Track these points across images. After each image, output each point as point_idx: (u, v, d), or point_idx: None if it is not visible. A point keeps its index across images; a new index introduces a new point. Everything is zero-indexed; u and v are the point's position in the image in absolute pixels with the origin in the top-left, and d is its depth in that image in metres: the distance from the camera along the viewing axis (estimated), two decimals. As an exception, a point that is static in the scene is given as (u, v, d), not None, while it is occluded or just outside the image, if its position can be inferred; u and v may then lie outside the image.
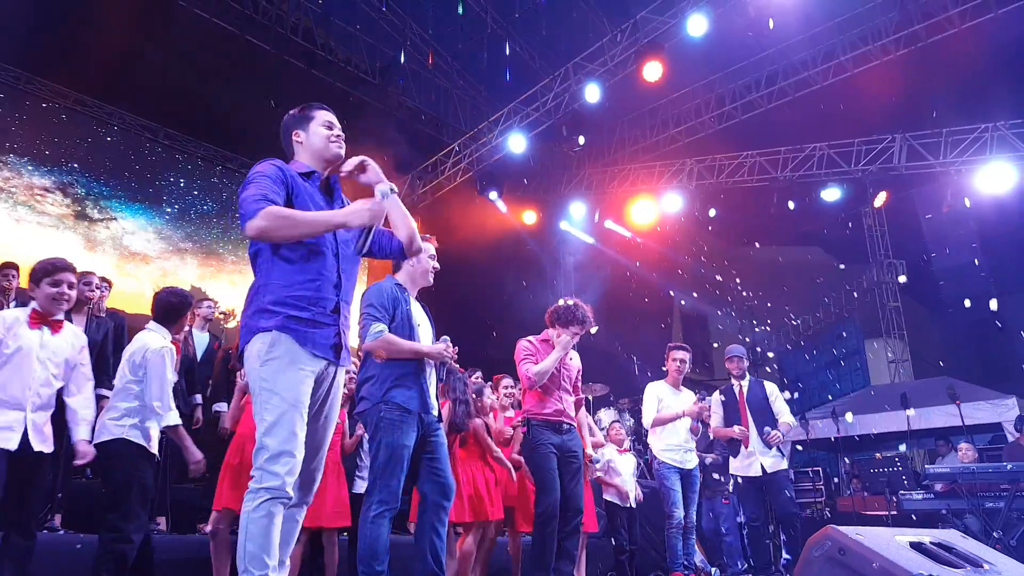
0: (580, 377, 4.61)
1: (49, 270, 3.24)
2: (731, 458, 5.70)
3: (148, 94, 9.57)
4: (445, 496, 3.26)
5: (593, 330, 4.48)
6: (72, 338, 3.40)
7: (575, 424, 4.42)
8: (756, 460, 5.48)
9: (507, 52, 11.57)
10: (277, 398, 2.26)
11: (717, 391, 5.94)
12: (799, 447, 10.97)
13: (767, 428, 5.49)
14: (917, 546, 2.90)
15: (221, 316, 9.93)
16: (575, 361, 4.56)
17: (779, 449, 5.49)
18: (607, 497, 6.12)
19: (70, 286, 3.29)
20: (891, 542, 2.80)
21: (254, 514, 2.18)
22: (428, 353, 3.34)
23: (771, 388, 5.83)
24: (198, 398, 5.56)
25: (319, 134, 2.59)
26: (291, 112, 2.66)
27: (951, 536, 3.17)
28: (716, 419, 5.84)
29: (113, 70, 8.91)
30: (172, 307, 3.57)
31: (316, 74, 10.72)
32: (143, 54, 8.96)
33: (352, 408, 3.93)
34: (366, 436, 3.66)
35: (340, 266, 2.49)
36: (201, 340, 5.89)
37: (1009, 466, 6.70)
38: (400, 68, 11.87)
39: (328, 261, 2.45)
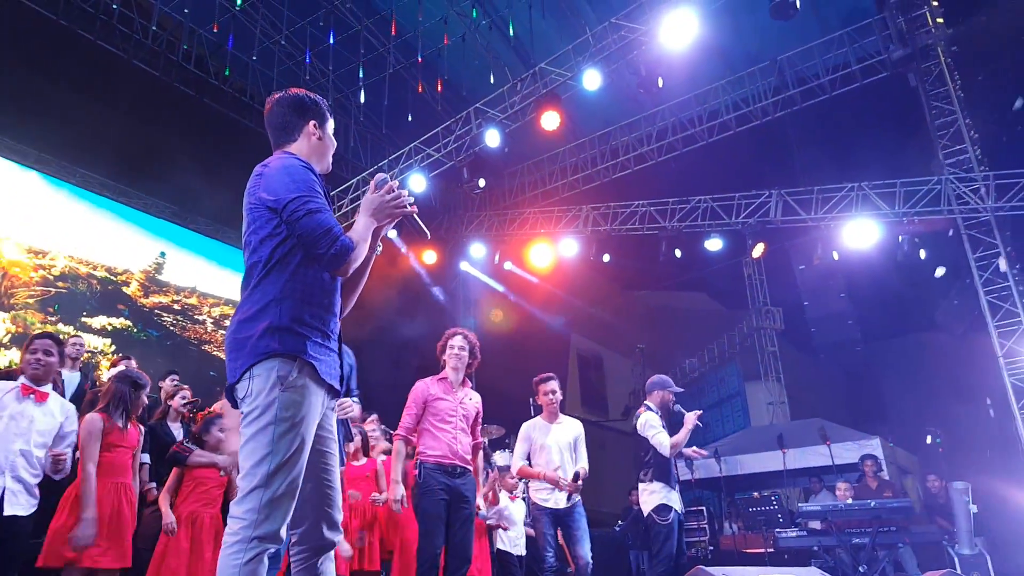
0: (480, 419, 4.49)
1: None
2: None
3: (23, 118, 8.96)
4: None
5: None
6: None
7: (470, 467, 4.28)
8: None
9: (409, 92, 11.65)
10: (293, 434, 1.98)
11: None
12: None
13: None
14: (782, 585, 3.04)
15: (89, 355, 9.25)
16: (473, 401, 4.44)
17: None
18: (499, 546, 6.04)
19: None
20: (758, 582, 2.92)
21: (246, 567, 1.90)
22: None
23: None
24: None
25: (332, 141, 2.41)
26: (314, 97, 2.37)
27: (812, 574, 3.33)
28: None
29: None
30: None
31: (207, 102, 10.42)
32: (20, 76, 8.43)
33: None
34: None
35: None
36: (71, 379, 5.51)
37: (873, 503, 7.14)
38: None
39: (338, 280, 2.24)
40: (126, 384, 3.84)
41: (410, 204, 2.28)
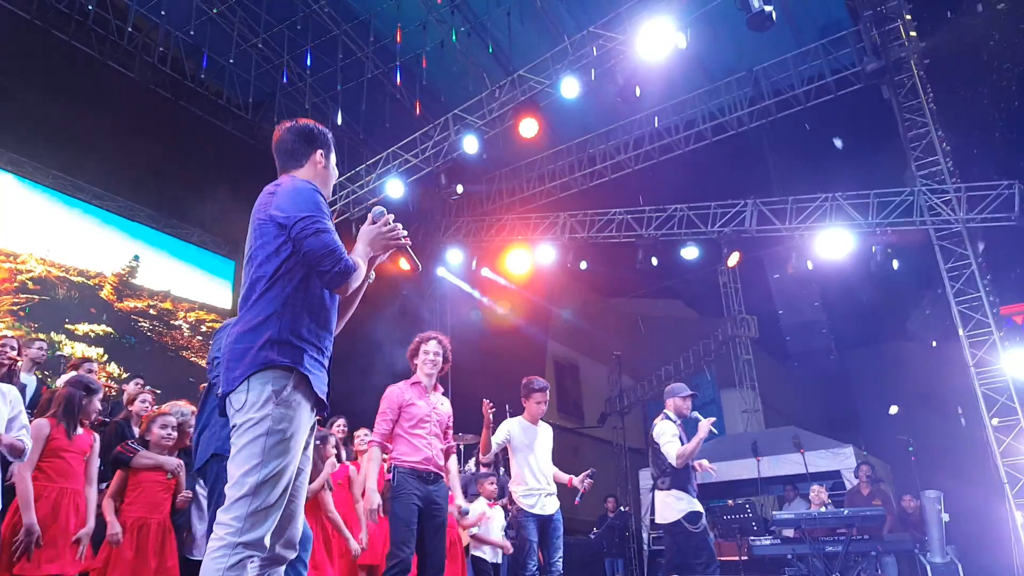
0: (451, 424, 4.45)
1: None
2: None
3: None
4: (302, 547, 3.06)
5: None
6: None
7: (443, 473, 4.25)
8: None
9: (387, 98, 11.58)
10: (284, 445, 2.06)
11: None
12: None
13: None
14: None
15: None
16: (445, 407, 4.41)
17: None
18: (475, 553, 5.96)
19: None
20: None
21: (230, 572, 1.95)
22: None
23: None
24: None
25: (335, 171, 2.50)
26: (319, 126, 2.45)
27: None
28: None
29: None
30: None
31: (183, 104, 10.28)
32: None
33: (189, 460, 3.66)
34: (203, 493, 3.41)
35: None
36: (29, 385, 5.38)
37: (846, 511, 7.19)
38: (274, 104, 11.60)
39: (336, 299, 2.34)
40: (78, 389, 3.73)
41: (404, 237, 2.40)
